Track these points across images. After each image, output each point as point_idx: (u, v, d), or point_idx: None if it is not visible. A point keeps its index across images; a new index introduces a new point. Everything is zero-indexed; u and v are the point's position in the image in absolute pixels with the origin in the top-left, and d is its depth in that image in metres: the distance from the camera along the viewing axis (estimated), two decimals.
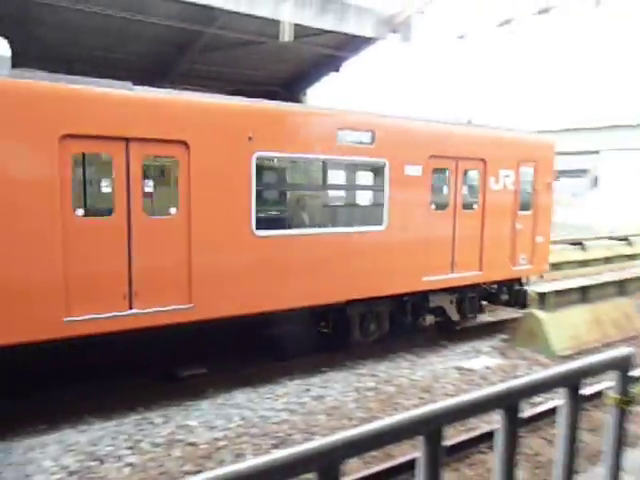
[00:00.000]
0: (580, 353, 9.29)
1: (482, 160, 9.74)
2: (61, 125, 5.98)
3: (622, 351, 1.80)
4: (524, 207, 10.51)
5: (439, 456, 1.33)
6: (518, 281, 10.94)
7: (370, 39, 13.99)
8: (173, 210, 6.86)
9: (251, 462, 0.99)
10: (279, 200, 9.11)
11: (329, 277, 8.19)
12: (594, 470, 2.97)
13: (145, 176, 6.67)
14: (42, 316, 5.97)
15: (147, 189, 6.71)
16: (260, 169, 7.58)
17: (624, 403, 1.79)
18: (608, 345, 9.71)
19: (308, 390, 7.74)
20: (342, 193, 10.15)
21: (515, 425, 1.48)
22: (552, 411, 6.65)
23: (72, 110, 6.07)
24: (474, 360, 9.27)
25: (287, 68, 16.78)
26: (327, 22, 13.84)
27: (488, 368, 8.77)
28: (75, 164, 6.27)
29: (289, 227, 8.31)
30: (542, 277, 11.50)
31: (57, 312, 6.02)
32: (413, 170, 8.88)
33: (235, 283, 7.31)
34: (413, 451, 5.38)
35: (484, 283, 10.36)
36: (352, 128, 8.28)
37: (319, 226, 8.51)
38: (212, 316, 7.13)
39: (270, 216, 8.42)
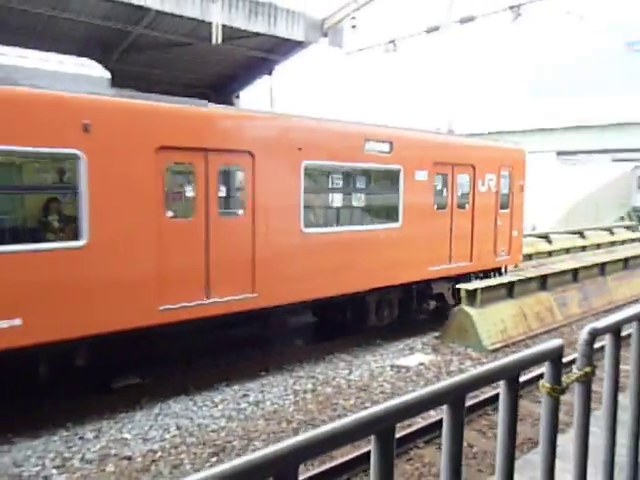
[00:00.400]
0: (507, 346, 9.76)
1: (472, 166, 11.18)
2: (157, 138, 6.85)
3: (554, 343, 1.89)
4: (503, 206, 12.07)
5: (392, 455, 1.34)
6: (499, 270, 12.45)
7: (301, 43, 14.07)
8: (240, 212, 7.99)
9: (209, 472, 0.96)
10: (318, 202, 10.05)
11: (358, 268, 9.31)
12: (529, 457, 3.13)
13: (219, 182, 7.72)
14: (143, 305, 6.84)
15: (221, 194, 7.84)
16: (307, 175, 8.66)
17: (557, 392, 1.89)
18: (532, 338, 10.28)
19: (246, 395, 7.65)
20: (366, 194, 10.83)
21: (461, 419, 1.53)
22: (481, 404, 6.96)
23: (165, 125, 6.99)
24: (409, 357, 9.50)
25: (218, 70, 16.54)
26: (258, 25, 13.78)
27: (422, 365, 9.00)
28: (166, 172, 7.13)
29: (328, 225, 9.54)
30: (516, 266, 13.28)
31: (154, 302, 6.89)
32: (421, 175, 10.18)
33: (287, 275, 8.34)
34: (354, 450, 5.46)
35: (473, 272, 11.70)
36: (375, 139, 9.43)
37: (350, 224, 9.78)
38: (270, 304, 8.22)
39: (313, 216, 9.49)
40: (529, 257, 16.81)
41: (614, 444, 2.34)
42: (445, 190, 10.85)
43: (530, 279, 11.22)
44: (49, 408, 6.75)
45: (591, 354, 2.09)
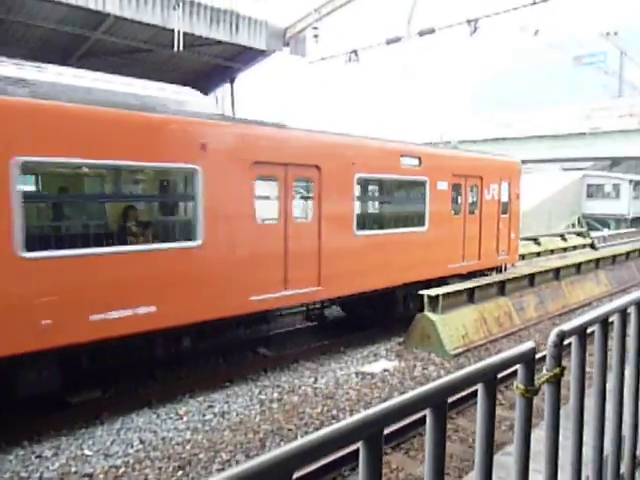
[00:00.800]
0: (469, 351, 9.97)
1: (480, 177, 12.87)
2: (253, 155, 8.17)
3: (527, 345, 1.95)
4: (504, 212, 13.78)
5: (380, 458, 1.36)
6: (499, 268, 14.15)
7: (264, 51, 14.08)
8: (310, 217, 9.33)
9: None
10: (365, 208, 11.68)
11: (394, 266, 10.68)
12: (496, 457, 3.19)
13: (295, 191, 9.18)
14: (239, 296, 8.05)
15: (295, 201, 9.13)
16: (358, 185, 10.29)
17: (530, 393, 1.95)
18: (492, 342, 10.53)
19: (211, 406, 7.54)
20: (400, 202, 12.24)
21: (443, 422, 1.56)
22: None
23: (257, 144, 8.32)
24: (373, 364, 9.57)
25: (179, 77, 16.31)
26: (219, 33, 13.71)
27: (386, 371, 9.09)
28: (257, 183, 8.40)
29: (372, 229, 10.75)
30: (513, 265, 14.99)
31: (247, 293, 8.10)
32: (442, 185, 11.73)
33: (343, 271, 9.63)
34: None
35: (480, 270, 13.28)
36: (408, 155, 11.00)
37: (389, 228, 11.11)
38: (331, 296, 9.86)
39: (361, 219, 10.59)
40: None
41: (581, 443, 2.43)
42: (460, 198, 12.47)
43: (489, 285, 11.51)
44: (2, 426, 6.47)
45: (559, 355, 2.17)
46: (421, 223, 11.43)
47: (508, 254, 13.98)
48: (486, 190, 13.05)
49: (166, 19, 12.15)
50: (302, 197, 9.91)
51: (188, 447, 6.25)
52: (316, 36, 13.17)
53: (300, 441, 1.20)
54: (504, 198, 13.75)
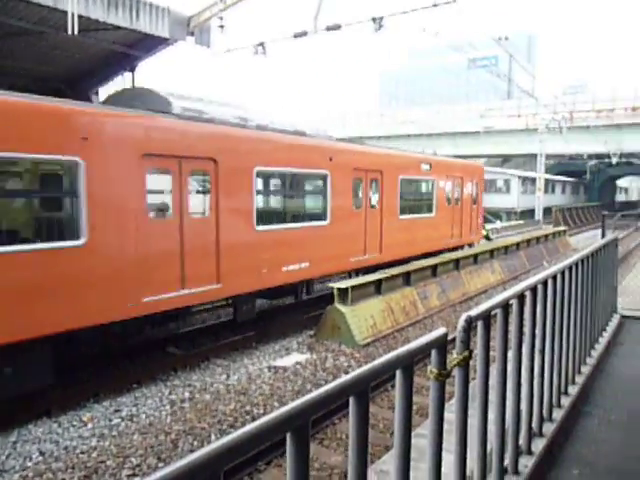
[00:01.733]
0: (377, 340, 10.30)
1: (461, 177, 17.67)
2: (354, 164, 12.22)
3: (439, 332, 2.05)
4: (474, 203, 18.76)
5: (307, 450, 1.36)
6: (471, 244, 18.89)
7: (167, 40, 13.53)
8: (377, 206, 13.27)
9: None
10: (401, 200, 14.42)
11: (419, 241, 15.07)
12: (416, 434, 3.34)
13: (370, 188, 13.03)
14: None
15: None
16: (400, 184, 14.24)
17: (443, 376, 2.05)
18: (399, 331, 10.96)
19: (118, 411, 7.20)
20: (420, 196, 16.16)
21: (366, 409, 1.59)
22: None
23: (358, 157, 12.55)
24: (285, 358, 9.62)
25: (74, 64, 15.26)
26: (118, 18, 12.98)
27: (299, 364, 9.16)
28: (355, 183, 12.47)
29: (405, 214, 14.35)
30: (475, 245, 19.02)
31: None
32: (443, 184, 16.46)
33: (392, 243, 13.90)
34: None
35: (463, 244, 18.08)
36: (425, 162, 15.56)
37: (414, 213, 15.02)
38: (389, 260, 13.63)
39: (400, 208, 14.18)
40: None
41: (486, 419, 2.60)
42: (457, 192, 17.43)
43: (395, 276, 11.94)
44: None
45: (468, 340, 2.30)
46: (431, 210, 15.99)
47: (477, 234, 19.43)
48: (465, 187, 18.03)
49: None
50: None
51: (94, 455, 5.93)
52: (222, 26, 12.88)
53: (228, 438, 1.17)
54: (474, 193, 18.77)
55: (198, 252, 8.43)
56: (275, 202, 11.44)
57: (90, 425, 6.73)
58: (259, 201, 10.17)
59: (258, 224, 9.62)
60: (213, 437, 6.46)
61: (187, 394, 7.83)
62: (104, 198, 7.10)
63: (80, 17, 11.74)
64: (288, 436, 1.35)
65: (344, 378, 1.55)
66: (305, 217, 11.43)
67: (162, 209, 8.25)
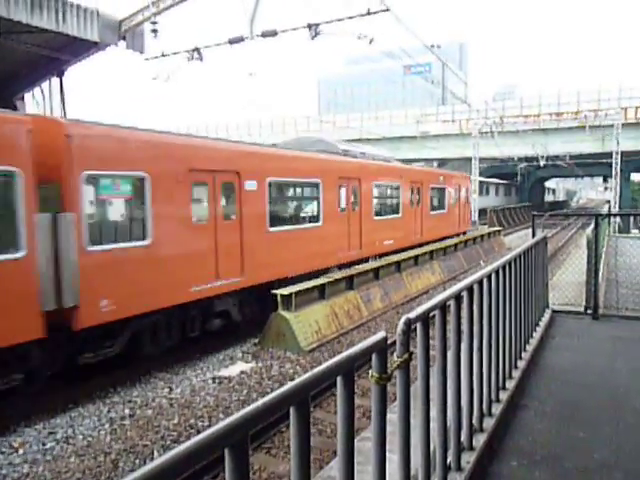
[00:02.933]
0: (322, 345, 10.31)
1: (459, 185, 24.42)
2: (410, 179, 18.93)
3: (378, 336, 2.05)
4: (467, 202, 26.12)
5: (247, 466, 1.32)
6: (465, 232, 24.96)
7: (97, 44, 13.06)
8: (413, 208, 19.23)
9: None
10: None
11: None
12: (361, 438, 3.34)
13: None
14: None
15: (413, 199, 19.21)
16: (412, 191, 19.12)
17: (384, 380, 2.05)
18: (344, 335, 11.02)
19: (53, 433, 6.83)
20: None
21: (307, 418, 1.57)
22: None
23: (408, 174, 19.04)
24: (230, 368, 9.45)
25: None
26: (43, 20, 12.42)
27: (244, 373, 9.03)
28: (408, 192, 18.89)
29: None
30: (466, 233, 24.98)
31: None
32: (451, 191, 22.92)
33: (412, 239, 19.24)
34: None
35: (459, 232, 24.19)
36: (440, 175, 22.62)
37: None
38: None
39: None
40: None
41: (429, 419, 2.64)
42: (455, 196, 23.67)
43: (338, 280, 12.02)
44: None
45: (408, 342, 2.32)
46: (442, 208, 22.06)
47: (467, 224, 26.14)
48: (460, 191, 24.43)
49: None
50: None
51: None
52: (155, 31, 12.56)
53: (157, 462, 1.11)
54: (465, 196, 25.41)
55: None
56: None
57: (21, 451, 6.35)
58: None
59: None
60: (156, 454, 6.24)
61: (127, 411, 7.54)
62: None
63: (1, 19, 11.17)
64: (226, 452, 1.30)
65: (283, 388, 1.52)
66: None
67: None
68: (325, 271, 12.87)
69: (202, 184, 9.48)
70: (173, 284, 8.82)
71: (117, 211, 8.29)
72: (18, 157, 6.60)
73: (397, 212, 17.54)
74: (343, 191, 14.03)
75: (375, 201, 15.88)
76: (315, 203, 12.90)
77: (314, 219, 12.89)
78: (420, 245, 18.26)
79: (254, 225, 10.53)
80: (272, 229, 11.17)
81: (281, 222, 11.70)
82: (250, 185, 10.46)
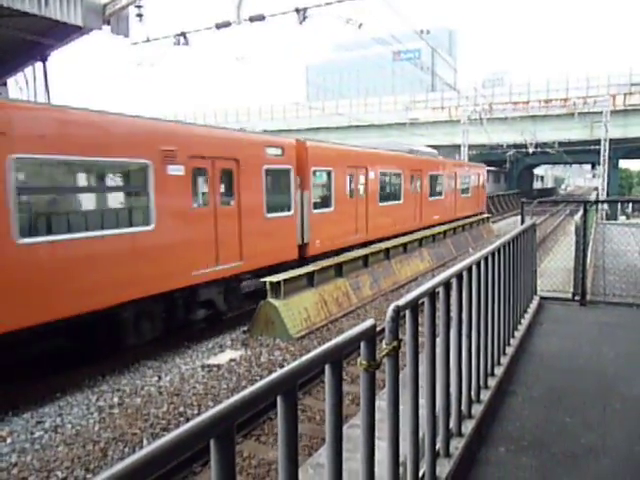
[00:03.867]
0: (312, 333, 10.32)
1: (478, 173, 30.27)
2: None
3: (367, 324, 2.03)
4: (482, 187, 30.88)
5: (233, 457, 1.29)
6: (482, 213, 29.08)
7: (81, 28, 12.77)
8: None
9: None
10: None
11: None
12: (350, 425, 3.35)
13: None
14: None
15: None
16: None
17: (372, 367, 2.04)
18: (333, 322, 11.04)
19: (41, 422, 6.78)
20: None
21: (294, 407, 1.55)
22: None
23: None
24: (219, 356, 9.44)
25: None
26: (25, 3, 12.12)
27: (233, 361, 9.02)
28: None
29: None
30: (483, 213, 29.76)
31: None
32: (463, 177, 26.73)
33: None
34: None
35: (475, 213, 28.01)
36: (454, 165, 26.59)
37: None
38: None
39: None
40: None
41: (417, 406, 2.63)
42: (467, 182, 27.70)
43: (327, 267, 12.01)
44: None
45: (397, 329, 2.30)
46: (439, 194, 23.35)
47: (482, 209, 30.16)
48: (472, 179, 28.34)
49: None
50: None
51: (15, 472, 5.56)
52: (140, 15, 12.32)
53: (140, 453, 1.08)
54: (482, 182, 30.59)
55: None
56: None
57: (9, 440, 6.30)
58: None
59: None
60: (145, 442, 6.23)
61: (116, 399, 7.51)
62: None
63: None
64: (212, 443, 1.27)
65: (270, 377, 1.50)
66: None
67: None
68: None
69: (352, 175, 15.47)
70: (344, 233, 14.75)
71: (325, 191, 14.14)
72: (291, 161, 12.23)
73: (441, 194, 23.38)
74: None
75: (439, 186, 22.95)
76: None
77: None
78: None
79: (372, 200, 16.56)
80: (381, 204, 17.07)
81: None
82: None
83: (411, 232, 18.13)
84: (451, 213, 24.30)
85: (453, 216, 24.24)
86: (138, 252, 8.49)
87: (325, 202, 14.06)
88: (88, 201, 8.55)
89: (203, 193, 10.08)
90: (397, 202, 18.34)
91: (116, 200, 8.90)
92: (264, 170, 11.28)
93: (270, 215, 11.50)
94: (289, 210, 12.26)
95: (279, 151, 11.80)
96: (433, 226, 20.33)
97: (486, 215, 28.98)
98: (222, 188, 10.36)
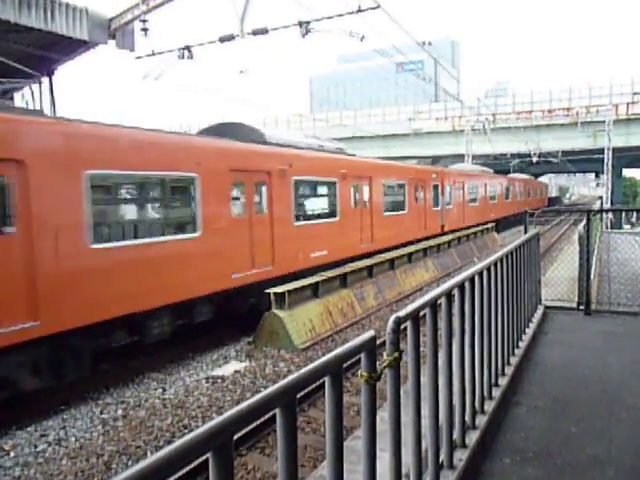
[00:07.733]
0: (316, 343, 10.29)
1: (485, 183, 30.30)
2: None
3: (367, 335, 2.03)
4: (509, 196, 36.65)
5: (231, 470, 1.29)
6: (493, 220, 29.54)
7: (87, 42, 12.94)
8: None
9: None
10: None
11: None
12: (354, 436, 3.33)
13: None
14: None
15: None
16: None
17: (373, 379, 2.03)
18: (338, 333, 11.00)
19: (45, 435, 6.78)
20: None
21: (293, 420, 1.54)
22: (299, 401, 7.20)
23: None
24: (224, 367, 9.42)
25: None
26: (31, 19, 12.28)
27: (237, 372, 8.99)
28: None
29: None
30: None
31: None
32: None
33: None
34: None
35: (485, 222, 27.71)
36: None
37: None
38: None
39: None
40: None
41: (420, 417, 2.62)
42: (478, 192, 28.47)
43: (332, 278, 12.00)
44: None
45: (398, 341, 2.30)
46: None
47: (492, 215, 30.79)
48: (488, 188, 30.60)
49: None
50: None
51: None
52: (145, 29, 12.46)
53: (137, 467, 1.08)
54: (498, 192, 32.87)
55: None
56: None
57: (13, 454, 6.29)
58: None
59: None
60: (149, 454, 6.20)
61: (120, 412, 7.50)
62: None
63: None
64: (210, 456, 1.28)
65: (268, 390, 1.50)
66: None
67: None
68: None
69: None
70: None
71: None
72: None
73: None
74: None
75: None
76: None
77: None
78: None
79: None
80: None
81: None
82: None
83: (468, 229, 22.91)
84: (485, 216, 29.06)
85: (468, 221, 26.39)
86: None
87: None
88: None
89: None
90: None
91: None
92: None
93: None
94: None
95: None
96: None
97: (490, 225, 28.90)
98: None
